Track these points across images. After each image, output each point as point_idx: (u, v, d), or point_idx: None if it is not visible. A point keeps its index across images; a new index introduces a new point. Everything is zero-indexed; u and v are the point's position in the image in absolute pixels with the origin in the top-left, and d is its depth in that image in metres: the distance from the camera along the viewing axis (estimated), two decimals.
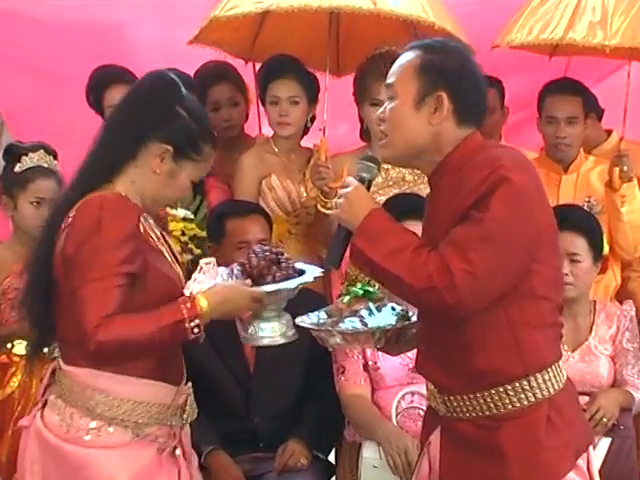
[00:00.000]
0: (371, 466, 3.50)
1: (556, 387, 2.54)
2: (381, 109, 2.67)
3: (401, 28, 4.23)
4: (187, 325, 2.58)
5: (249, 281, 2.71)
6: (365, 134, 4.21)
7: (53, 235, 2.66)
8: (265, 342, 2.82)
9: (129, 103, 2.75)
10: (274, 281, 2.74)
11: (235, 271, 2.76)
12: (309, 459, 3.62)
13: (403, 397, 3.61)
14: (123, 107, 2.76)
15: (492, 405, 2.52)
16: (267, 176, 4.18)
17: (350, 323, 2.81)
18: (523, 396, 2.51)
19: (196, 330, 2.59)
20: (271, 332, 2.80)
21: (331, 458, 3.85)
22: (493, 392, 2.52)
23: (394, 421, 3.57)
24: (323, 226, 4.12)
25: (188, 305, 2.59)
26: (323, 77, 4.20)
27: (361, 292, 2.90)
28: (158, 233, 2.78)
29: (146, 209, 2.72)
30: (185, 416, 2.76)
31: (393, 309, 2.86)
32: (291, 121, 4.13)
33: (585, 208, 4.08)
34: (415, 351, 3.59)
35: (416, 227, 3.49)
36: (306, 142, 4.31)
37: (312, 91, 4.17)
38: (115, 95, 4.26)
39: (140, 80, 2.80)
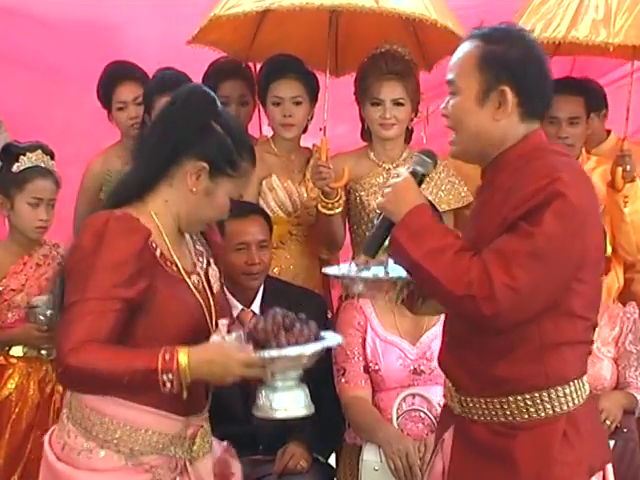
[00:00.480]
0: (372, 469, 3.49)
1: (576, 402, 2.48)
2: (443, 104, 2.59)
3: (400, 27, 4.22)
4: (159, 377, 2.38)
5: (250, 345, 2.47)
6: (366, 134, 4.19)
7: None
8: (277, 415, 2.55)
9: (163, 119, 2.65)
10: (278, 347, 2.47)
11: (242, 335, 2.53)
12: (309, 462, 3.60)
13: (404, 399, 3.61)
14: (158, 123, 2.67)
15: (508, 412, 2.48)
16: (267, 177, 4.15)
17: (374, 272, 2.68)
18: (541, 407, 2.46)
19: (168, 385, 2.39)
20: (281, 404, 2.55)
21: (331, 461, 3.83)
22: (511, 399, 2.47)
23: (395, 423, 3.55)
24: (324, 227, 4.09)
25: (167, 356, 2.39)
26: (322, 77, 4.17)
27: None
28: (191, 259, 2.66)
29: (183, 229, 2.63)
30: (195, 448, 2.63)
31: None
32: (295, 122, 4.11)
33: None
34: (416, 352, 3.63)
35: None
36: (305, 142, 4.28)
37: (313, 91, 4.15)
38: (125, 92, 4.24)
39: (175, 94, 2.69)
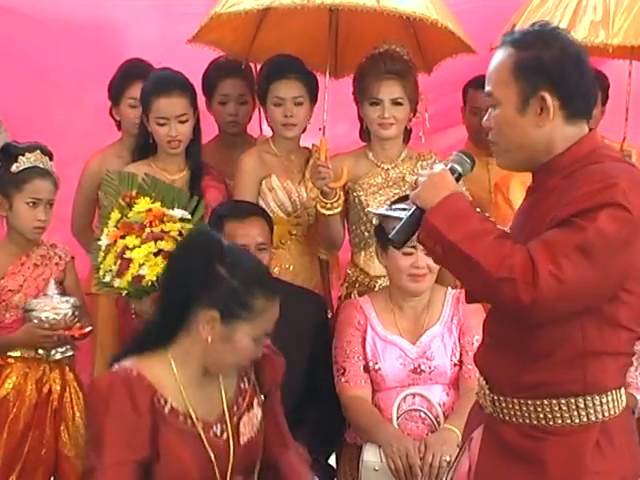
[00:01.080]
0: (372, 469, 3.47)
1: (612, 412, 2.43)
2: (486, 117, 2.55)
3: (400, 29, 4.21)
4: None
5: None
6: (365, 134, 4.18)
7: None
8: None
9: (170, 269, 2.63)
10: None
11: None
12: (309, 462, 3.57)
13: (404, 399, 3.59)
14: (167, 273, 2.65)
15: (542, 416, 2.43)
16: (267, 177, 4.14)
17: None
18: (576, 414, 2.41)
19: None
20: None
21: (332, 461, 3.81)
22: (546, 403, 2.42)
23: (395, 423, 3.53)
24: (323, 227, 4.08)
25: None
26: (321, 77, 4.16)
27: None
28: (221, 404, 2.63)
29: (213, 374, 2.60)
30: None
31: None
32: (296, 122, 4.10)
33: None
34: (417, 352, 3.61)
35: None
36: (305, 142, 4.27)
37: (313, 91, 4.15)
38: (139, 90, 4.19)
39: (179, 242, 2.70)
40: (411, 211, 2.48)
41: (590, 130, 2.50)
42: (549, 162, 2.46)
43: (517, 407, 2.46)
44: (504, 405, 2.48)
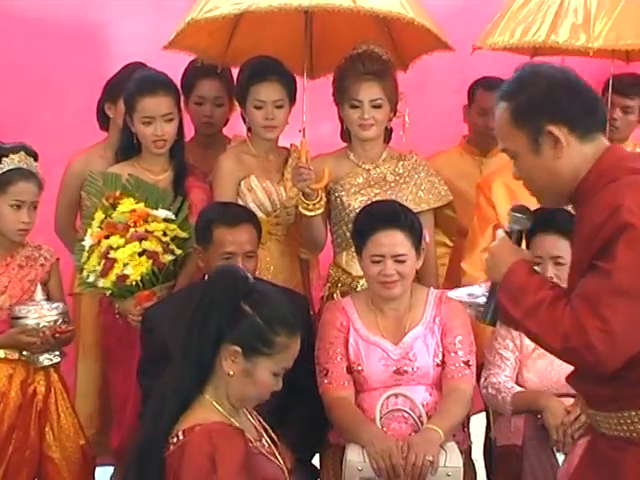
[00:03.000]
0: (355, 469, 3.47)
1: None
2: (514, 170, 2.61)
3: (374, 28, 4.22)
4: None
5: None
6: (345, 135, 4.18)
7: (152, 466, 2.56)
8: None
9: (198, 310, 2.66)
10: None
11: None
12: (292, 462, 3.57)
13: (387, 399, 3.60)
14: (195, 313, 2.67)
15: (625, 427, 2.49)
16: (246, 177, 4.14)
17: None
18: None
19: None
20: None
21: (315, 461, 3.82)
22: (626, 414, 2.48)
23: (378, 423, 3.55)
24: (305, 228, 4.09)
25: None
26: (299, 78, 4.15)
27: None
28: (254, 427, 2.74)
29: (236, 407, 2.66)
30: None
31: None
32: (277, 124, 4.11)
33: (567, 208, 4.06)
34: (399, 353, 3.63)
35: (392, 236, 3.55)
36: (283, 142, 4.27)
37: (293, 92, 4.15)
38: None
39: (207, 280, 2.74)
40: (490, 287, 2.62)
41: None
42: (577, 189, 2.52)
43: (605, 419, 2.53)
44: (597, 418, 2.56)
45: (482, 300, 2.68)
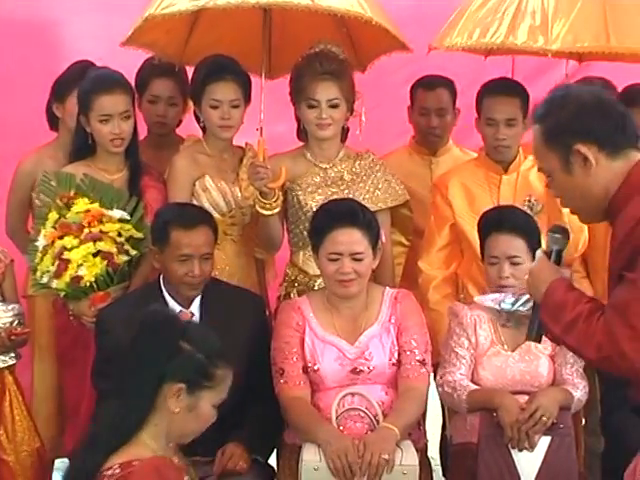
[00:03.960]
0: (311, 469, 3.47)
1: None
2: (551, 190, 2.74)
3: (333, 28, 4.23)
4: None
5: None
6: (302, 134, 4.18)
7: None
8: None
9: (135, 355, 2.71)
10: None
11: None
12: (248, 462, 3.58)
13: (343, 398, 3.61)
14: (132, 359, 2.72)
15: None
16: (200, 177, 4.13)
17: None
18: None
19: None
20: None
21: (272, 461, 3.82)
22: None
23: (334, 423, 3.55)
24: (262, 227, 4.09)
25: None
26: (256, 78, 4.15)
27: None
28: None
29: (172, 442, 2.72)
30: None
31: None
32: (233, 124, 4.09)
33: (525, 208, 4.09)
34: (355, 352, 3.64)
35: (350, 234, 3.55)
36: (237, 141, 4.25)
37: (248, 92, 4.14)
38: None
39: (139, 326, 2.76)
40: (533, 305, 2.79)
41: None
42: (609, 205, 2.63)
43: None
44: None
45: (507, 306, 3.03)
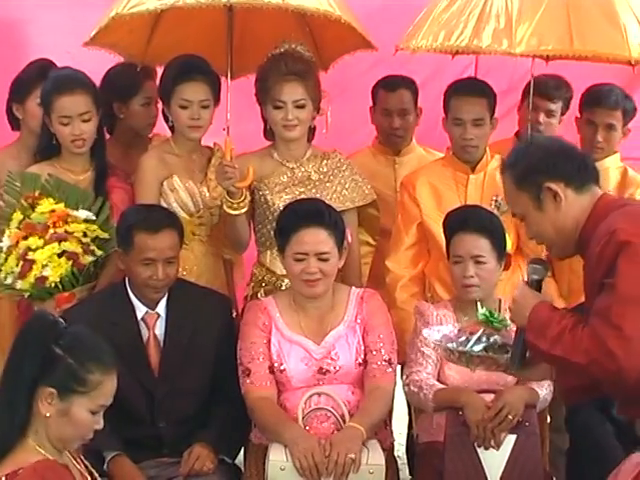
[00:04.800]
0: (278, 469, 3.47)
1: None
2: (527, 231, 2.96)
3: (296, 27, 4.22)
4: None
5: None
6: (268, 133, 4.17)
7: None
8: None
9: (12, 356, 2.73)
10: None
11: None
12: (215, 463, 3.58)
13: (310, 398, 3.61)
14: (9, 360, 2.73)
15: None
16: (168, 177, 4.11)
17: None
18: None
19: None
20: None
21: (239, 461, 3.81)
22: None
23: (300, 423, 3.56)
24: (229, 227, 4.08)
25: None
26: (222, 77, 4.13)
27: (482, 318, 3.09)
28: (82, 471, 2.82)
29: (60, 449, 2.71)
30: None
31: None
32: (202, 124, 4.08)
33: (492, 207, 4.11)
34: (321, 352, 3.64)
35: (316, 234, 3.56)
36: (205, 141, 4.25)
37: (217, 92, 4.12)
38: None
39: (19, 331, 2.80)
40: (516, 334, 2.92)
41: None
42: (579, 237, 2.85)
43: None
44: None
45: (454, 345, 3.01)
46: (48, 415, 2.65)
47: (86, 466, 2.85)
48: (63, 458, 2.72)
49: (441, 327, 3.32)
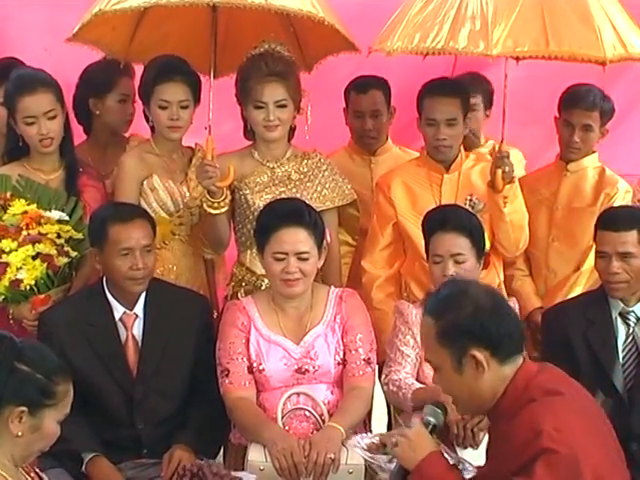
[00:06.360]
0: (257, 469, 3.46)
1: None
2: (435, 378, 2.78)
3: (280, 28, 4.22)
4: None
5: None
6: (249, 133, 4.17)
7: None
8: None
9: None
10: None
11: None
12: (194, 463, 3.56)
13: (289, 398, 3.61)
14: None
15: None
16: (148, 177, 4.11)
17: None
18: None
19: None
20: None
21: (218, 462, 3.80)
22: None
23: (280, 423, 3.55)
24: (210, 226, 4.08)
25: None
26: (204, 76, 4.14)
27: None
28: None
29: (17, 465, 2.68)
30: None
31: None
32: (182, 124, 4.08)
33: (467, 207, 4.11)
34: (300, 352, 3.64)
35: (295, 233, 3.56)
36: (189, 141, 4.24)
37: (198, 92, 4.12)
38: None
39: None
40: (396, 468, 2.78)
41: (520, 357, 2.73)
42: (495, 407, 2.70)
43: None
44: None
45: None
46: (20, 434, 2.61)
47: (40, 477, 2.81)
48: (18, 474, 2.68)
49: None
